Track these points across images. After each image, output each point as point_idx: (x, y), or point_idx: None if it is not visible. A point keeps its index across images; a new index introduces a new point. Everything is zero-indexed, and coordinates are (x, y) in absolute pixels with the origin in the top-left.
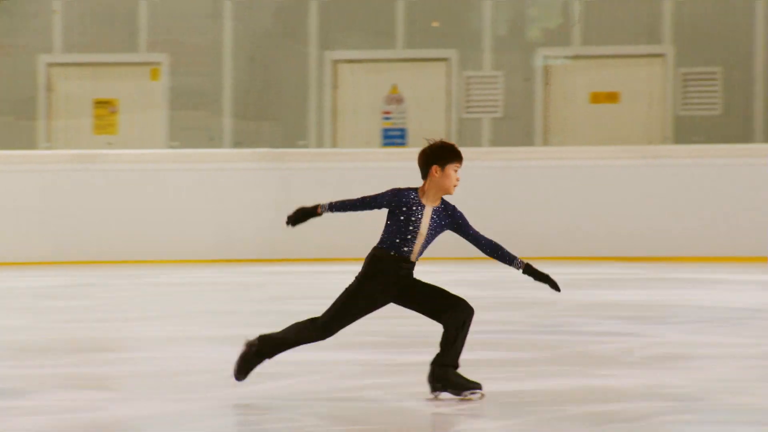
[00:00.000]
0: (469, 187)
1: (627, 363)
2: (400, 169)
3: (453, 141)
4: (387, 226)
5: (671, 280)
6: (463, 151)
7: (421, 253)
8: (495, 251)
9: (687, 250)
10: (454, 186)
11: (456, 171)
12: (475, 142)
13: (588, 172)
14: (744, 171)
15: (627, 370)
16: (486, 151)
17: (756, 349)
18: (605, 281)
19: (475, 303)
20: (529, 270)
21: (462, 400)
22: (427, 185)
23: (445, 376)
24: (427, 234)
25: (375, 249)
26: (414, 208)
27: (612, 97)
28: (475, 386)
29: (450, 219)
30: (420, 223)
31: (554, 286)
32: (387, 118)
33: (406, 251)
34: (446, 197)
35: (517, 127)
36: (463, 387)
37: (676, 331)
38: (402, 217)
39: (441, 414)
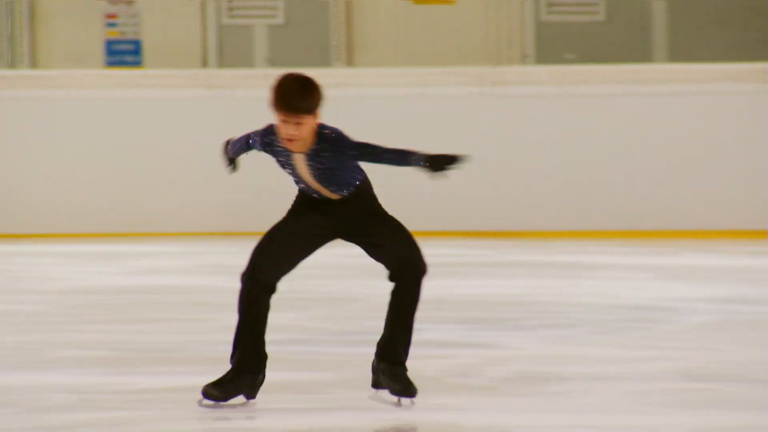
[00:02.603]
0: (236, 127)
1: (468, 388)
2: (132, 101)
3: (217, 61)
4: None
5: (530, 265)
6: (230, 73)
7: (338, 186)
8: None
9: (552, 222)
10: (288, 141)
11: (286, 122)
12: (245, 61)
13: (409, 104)
14: (636, 103)
15: (468, 398)
16: (261, 73)
17: (651, 366)
18: (433, 267)
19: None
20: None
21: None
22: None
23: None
24: (319, 176)
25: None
26: (283, 155)
27: None
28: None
29: (338, 153)
30: (298, 170)
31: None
32: (112, 25)
33: (315, 196)
34: (328, 130)
35: (307, 40)
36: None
37: (540, 340)
38: (280, 165)
39: None
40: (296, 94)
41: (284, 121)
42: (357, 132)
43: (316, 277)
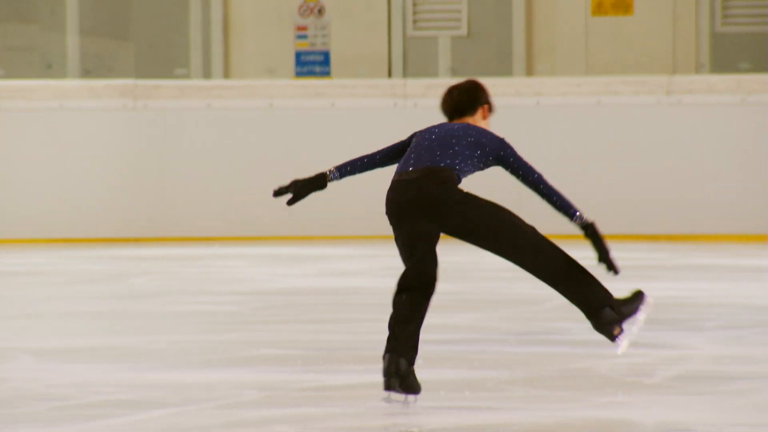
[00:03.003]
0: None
1: (643, 387)
2: (322, 110)
3: (402, 71)
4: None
5: (704, 268)
6: (414, 83)
7: None
8: None
9: (725, 226)
10: None
11: None
12: (429, 71)
13: (587, 113)
14: None
15: (643, 396)
16: (444, 83)
17: None
18: None
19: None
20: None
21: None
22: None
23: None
24: None
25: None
26: None
27: (623, 7)
28: None
29: None
30: None
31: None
32: (302, 37)
33: None
34: None
35: (489, 50)
36: None
37: (712, 340)
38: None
39: None
40: None
41: None
42: (534, 139)
43: (498, 280)
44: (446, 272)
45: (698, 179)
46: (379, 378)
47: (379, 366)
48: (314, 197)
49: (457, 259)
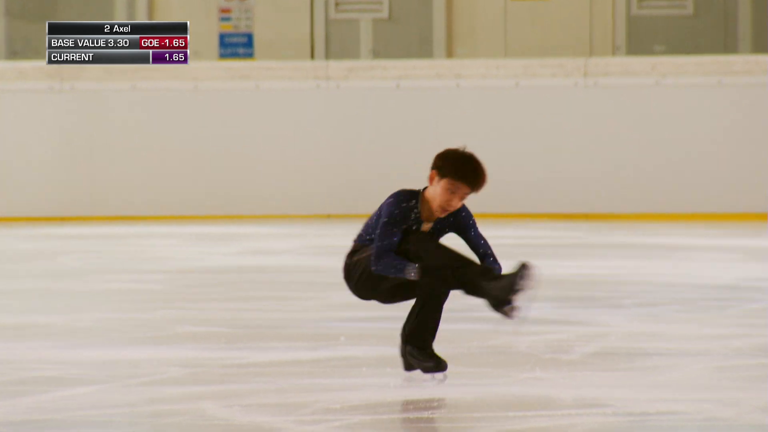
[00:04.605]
0: (342, 116)
1: (561, 363)
2: (245, 91)
3: (324, 54)
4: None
5: (622, 247)
6: (337, 65)
7: None
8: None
9: (644, 205)
10: (443, 209)
11: (453, 192)
12: (351, 53)
13: (506, 95)
14: (722, 94)
15: (561, 372)
16: (366, 65)
17: (740, 343)
18: (532, 248)
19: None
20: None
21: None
22: (426, 193)
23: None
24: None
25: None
26: (414, 223)
27: None
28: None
29: (460, 225)
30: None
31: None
32: (226, 19)
33: None
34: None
35: (410, 32)
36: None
37: (629, 317)
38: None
39: None
40: (484, 176)
41: (454, 192)
42: (453, 120)
43: None
44: None
45: (613, 159)
46: (302, 355)
47: (302, 344)
48: (240, 176)
49: None
